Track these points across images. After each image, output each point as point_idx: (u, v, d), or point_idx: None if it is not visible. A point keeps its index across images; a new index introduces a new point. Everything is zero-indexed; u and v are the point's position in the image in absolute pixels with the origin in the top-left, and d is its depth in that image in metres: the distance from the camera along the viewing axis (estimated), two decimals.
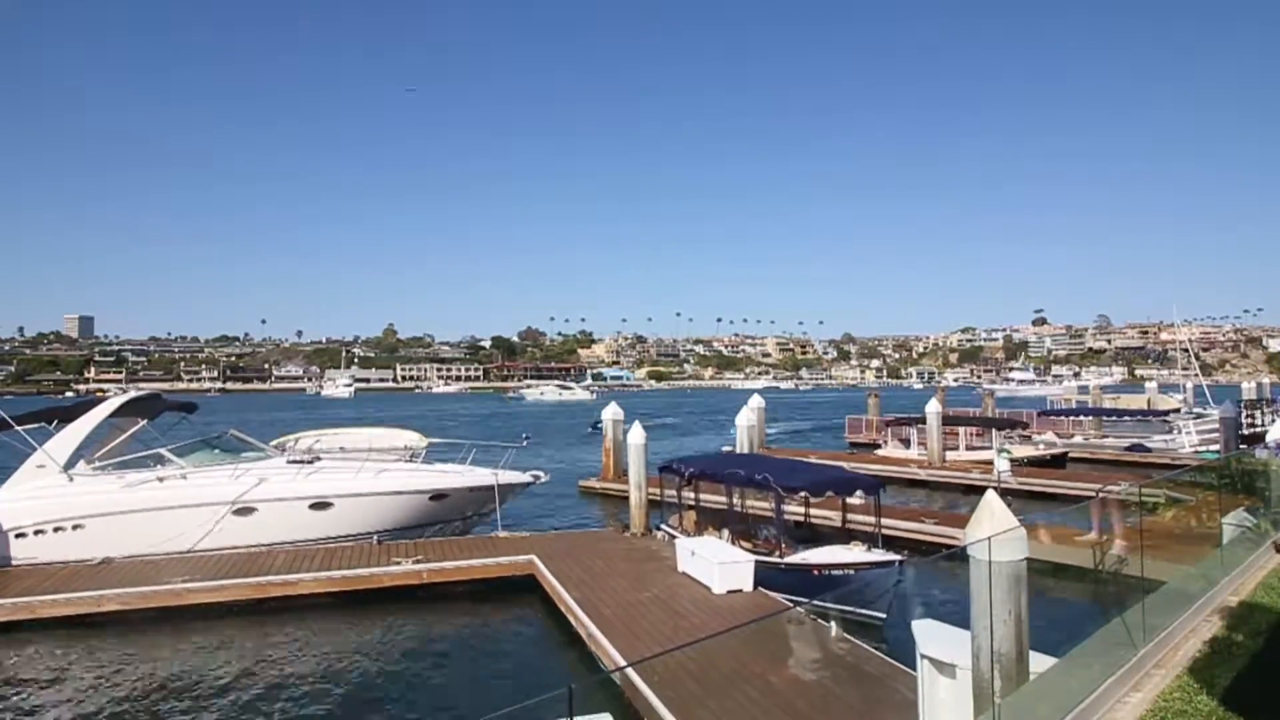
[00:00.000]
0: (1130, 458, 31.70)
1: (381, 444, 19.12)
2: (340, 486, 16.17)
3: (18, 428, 15.59)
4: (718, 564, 11.97)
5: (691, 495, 15.98)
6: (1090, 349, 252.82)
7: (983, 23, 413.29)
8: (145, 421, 17.22)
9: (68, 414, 16.11)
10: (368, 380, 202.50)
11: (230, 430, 18.35)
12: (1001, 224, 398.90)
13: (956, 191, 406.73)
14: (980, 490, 9.77)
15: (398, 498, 16.52)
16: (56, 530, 14.75)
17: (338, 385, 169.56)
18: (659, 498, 16.75)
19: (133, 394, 18.91)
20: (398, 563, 14.04)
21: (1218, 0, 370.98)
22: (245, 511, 15.54)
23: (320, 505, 15.97)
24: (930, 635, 6.75)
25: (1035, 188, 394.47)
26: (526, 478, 18.02)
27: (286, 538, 15.67)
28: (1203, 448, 30.75)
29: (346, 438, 20.10)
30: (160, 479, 15.52)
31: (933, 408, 30.43)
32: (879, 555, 12.07)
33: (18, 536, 14.62)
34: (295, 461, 16.74)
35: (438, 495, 16.92)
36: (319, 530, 15.98)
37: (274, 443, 18.87)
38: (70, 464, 15.43)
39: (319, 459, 17.18)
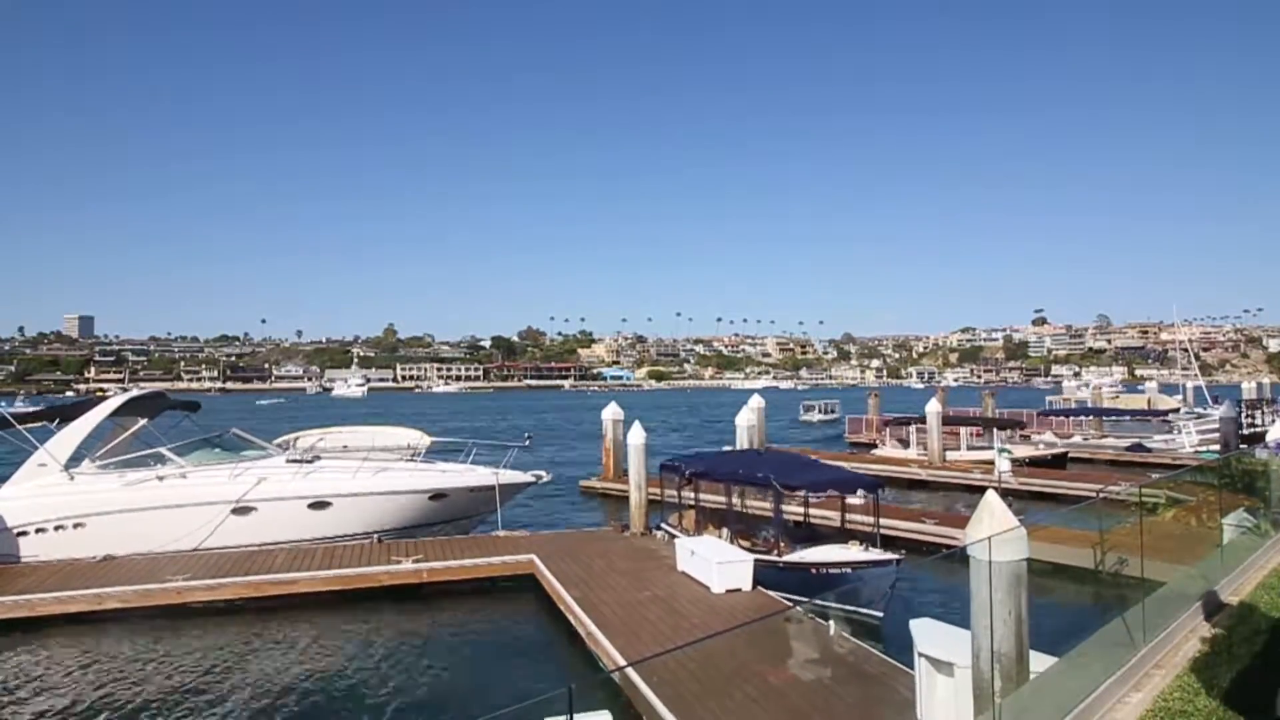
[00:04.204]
0: (1130, 458, 31.69)
1: (383, 442, 19.11)
2: (339, 486, 16.17)
3: (19, 426, 15.61)
4: (717, 563, 11.98)
5: (691, 494, 15.98)
6: (1090, 349, 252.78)
7: (984, 23, 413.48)
8: (146, 420, 17.22)
9: (69, 413, 16.12)
10: (369, 380, 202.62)
11: (231, 429, 18.35)
12: (1001, 224, 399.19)
13: (956, 191, 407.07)
14: (980, 490, 9.76)
15: (397, 498, 16.52)
16: (58, 529, 14.77)
17: (349, 385, 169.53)
18: (659, 497, 16.74)
19: (134, 393, 18.89)
20: (398, 562, 14.04)
21: (1217, 0, 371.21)
22: (245, 511, 15.54)
23: (319, 505, 15.97)
24: (928, 634, 6.76)
25: (1036, 188, 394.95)
26: (528, 477, 18.00)
27: (286, 537, 15.67)
28: (1203, 448, 30.75)
29: (349, 436, 20.09)
30: (160, 478, 15.53)
31: (933, 408, 30.44)
32: (876, 554, 12.08)
33: (19, 535, 14.64)
34: (295, 461, 16.73)
35: (437, 495, 16.91)
36: (319, 530, 15.98)
37: (275, 441, 18.85)
38: (72, 463, 15.45)
39: (319, 458, 17.17)
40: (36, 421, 15.94)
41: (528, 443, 19.54)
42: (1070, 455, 31.66)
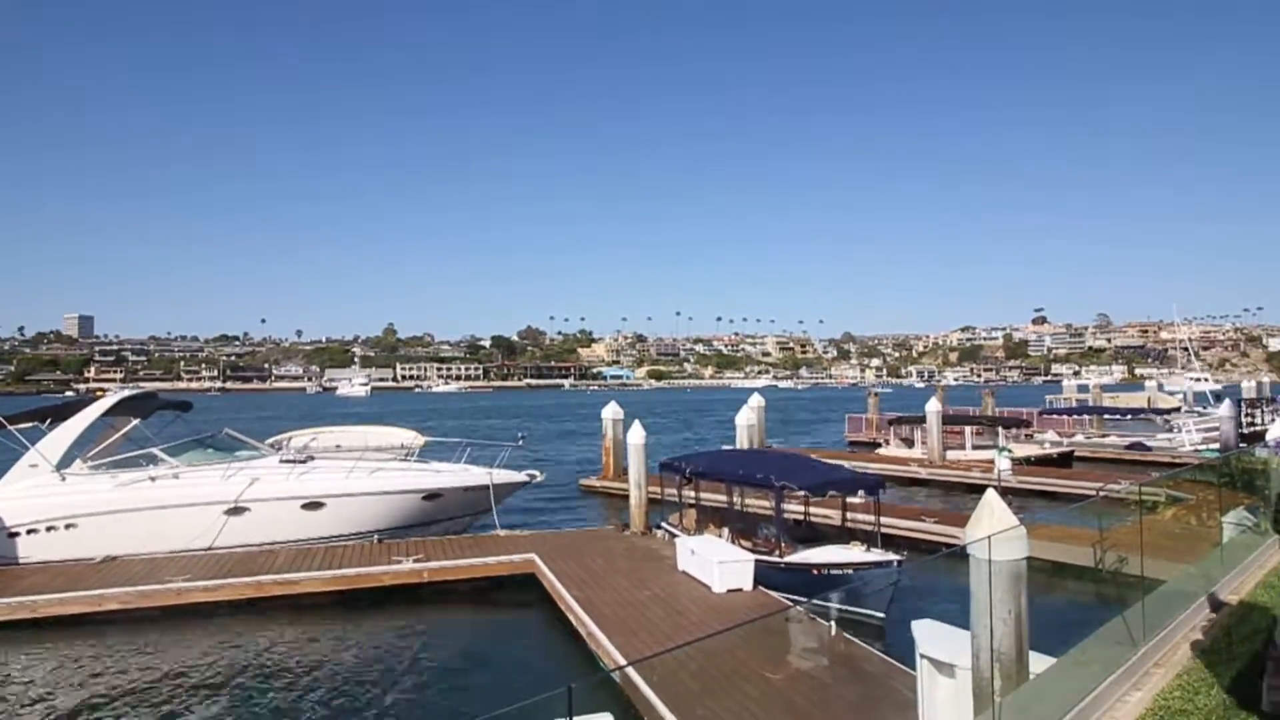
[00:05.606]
0: (1131, 456, 31.65)
1: (376, 442, 19.01)
2: (333, 486, 16.08)
3: (10, 427, 15.49)
4: (717, 563, 11.93)
5: (692, 493, 15.92)
6: (1090, 348, 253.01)
7: (984, 22, 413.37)
8: (138, 420, 17.08)
9: (60, 413, 16.01)
10: (369, 379, 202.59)
11: (224, 429, 18.26)
12: (1001, 224, 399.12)
13: (956, 191, 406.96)
14: (981, 489, 9.71)
15: (391, 498, 16.43)
16: (49, 530, 14.68)
17: (353, 385, 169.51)
18: (659, 496, 16.67)
19: (126, 392, 18.75)
20: (398, 561, 13.98)
21: (1217, 0, 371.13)
22: (238, 511, 15.43)
23: (313, 505, 15.88)
24: (929, 635, 6.70)
25: (1036, 188, 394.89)
26: (522, 477, 17.93)
27: (279, 538, 15.56)
28: (1203, 446, 30.69)
29: (341, 436, 19.97)
30: (153, 478, 15.43)
31: (933, 407, 30.38)
32: (878, 555, 12.04)
33: (11, 536, 14.55)
34: (288, 461, 16.60)
35: (431, 495, 16.83)
36: (312, 530, 15.88)
37: (268, 441, 18.73)
38: (63, 463, 15.35)
39: (313, 458, 17.07)
40: (28, 422, 15.83)
41: (521, 442, 19.43)
42: (1075, 454, 31.65)
